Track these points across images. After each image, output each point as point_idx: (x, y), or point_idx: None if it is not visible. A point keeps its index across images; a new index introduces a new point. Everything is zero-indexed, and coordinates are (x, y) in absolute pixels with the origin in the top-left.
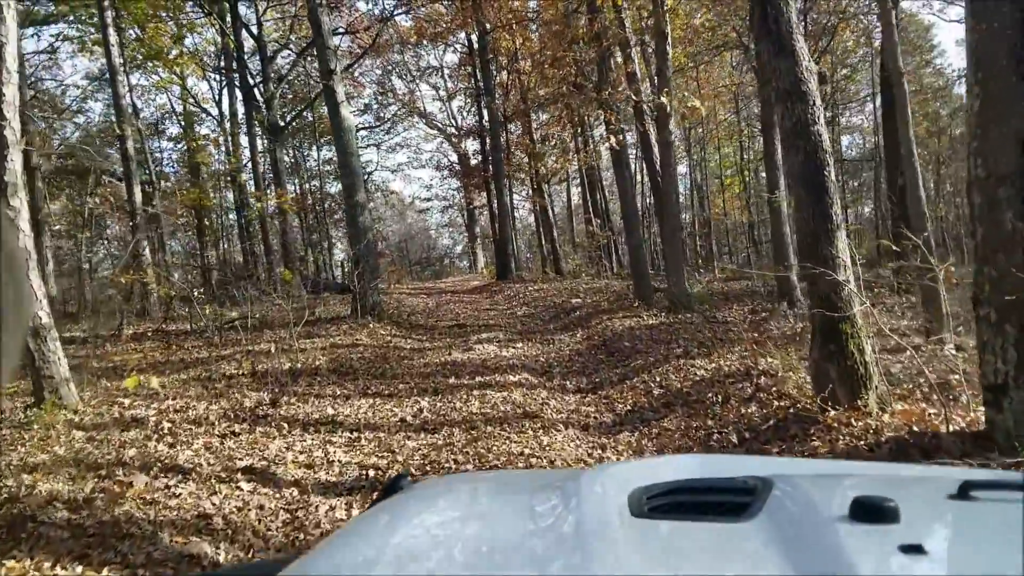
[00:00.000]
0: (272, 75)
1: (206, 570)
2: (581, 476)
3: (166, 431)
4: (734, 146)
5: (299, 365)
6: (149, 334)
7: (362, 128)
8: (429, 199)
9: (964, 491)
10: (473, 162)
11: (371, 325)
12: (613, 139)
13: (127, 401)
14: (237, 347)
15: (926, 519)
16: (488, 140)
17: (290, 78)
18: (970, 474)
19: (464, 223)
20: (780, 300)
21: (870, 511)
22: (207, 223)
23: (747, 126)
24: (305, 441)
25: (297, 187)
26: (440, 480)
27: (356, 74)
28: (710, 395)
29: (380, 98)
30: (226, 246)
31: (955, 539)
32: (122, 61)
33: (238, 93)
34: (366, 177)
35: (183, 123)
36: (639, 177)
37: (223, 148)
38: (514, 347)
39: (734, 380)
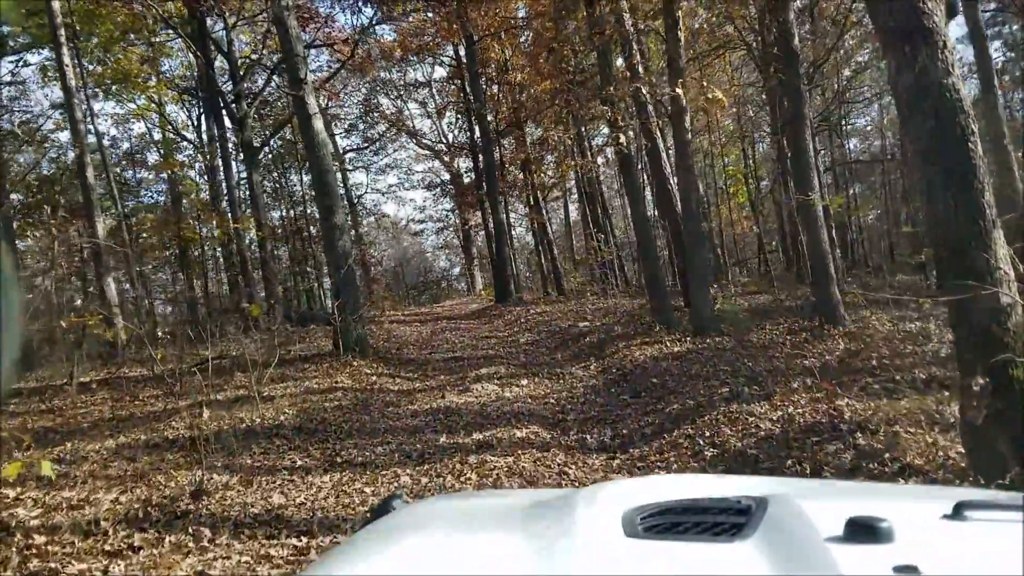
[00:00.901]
0: (246, 94)
1: None
2: (575, 496)
3: (36, 549)
4: (735, 155)
5: (259, 420)
6: (106, 382)
7: (350, 150)
8: (423, 221)
9: (958, 511)
10: (466, 180)
11: (355, 363)
12: (623, 137)
13: (13, 493)
14: (200, 395)
15: (920, 539)
16: (481, 156)
17: (267, 98)
18: (964, 494)
19: (460, 244)
20: (818, 317)
21: (865, 531)
22: (193, 254)
23: (750, 131)
24: (230, 557)
25: (284, 213)
26: (432, 500)
27: (341, 95)
28: (789, 462)
29: (367, 117)
30: (215, 277)
31: (949, 560)
32: (81, 84)
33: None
34: (356, 200)
35: (162, 151)
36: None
37: (196, 172)
38: (518, 385)
39: (819, 438)
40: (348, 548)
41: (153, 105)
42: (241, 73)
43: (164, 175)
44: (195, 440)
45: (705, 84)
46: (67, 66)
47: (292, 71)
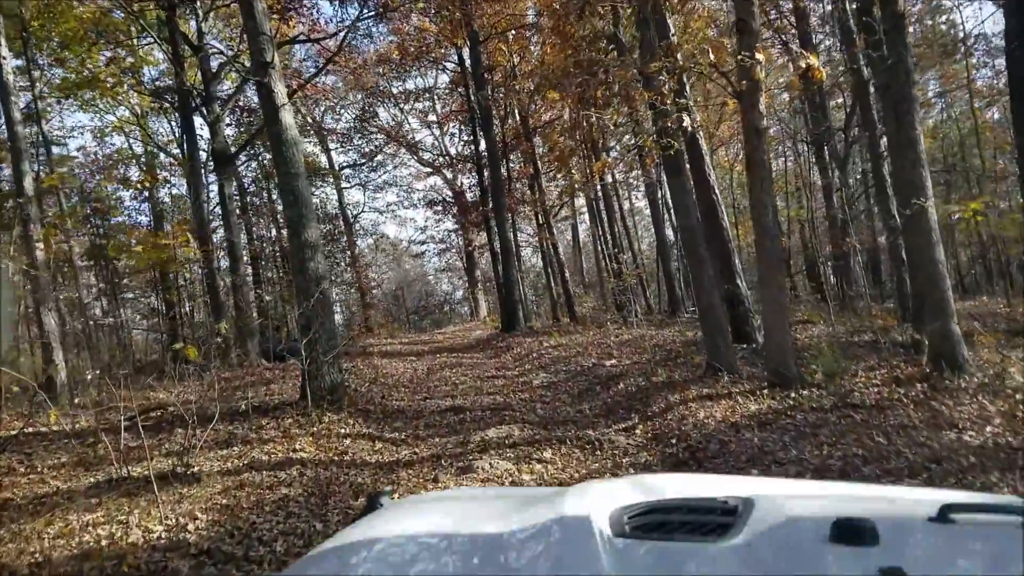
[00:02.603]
0: (219, 97)
1: None
2: (563, 495)
3: None
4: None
5: (159, 529)
6: (15, 439)
7: (346, 166)
8: (424, 242)
9: (944, 514)
10: (470, 197)
11: (326, 418)
12: (687, 119)
13: None
14: (116, 465)
15: (906, 542)
16: (487, 170)
17: (249, 105)
18: (950, 496)
19: (463, 266)
20: (928, 360)
21: (851, 533)
22: (177, 279)
23: (781, 139)
24: None
25: (271, 231)
26: (421, 497)
27: (338, 108)
28: None
29: (363, 128)
30: (203, 302)
31: (934, 562)
32: (29, 83)
33: (198, 123)
34: (352, 219)
35: (143, 165)
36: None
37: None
38: (540, 460)
39: None
40: (334, 544)
41: (131, 116)
42: (214, 71)
43: (146, 192)
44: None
45: (795, 49)
46: (3, 58)
47: (256, 53)
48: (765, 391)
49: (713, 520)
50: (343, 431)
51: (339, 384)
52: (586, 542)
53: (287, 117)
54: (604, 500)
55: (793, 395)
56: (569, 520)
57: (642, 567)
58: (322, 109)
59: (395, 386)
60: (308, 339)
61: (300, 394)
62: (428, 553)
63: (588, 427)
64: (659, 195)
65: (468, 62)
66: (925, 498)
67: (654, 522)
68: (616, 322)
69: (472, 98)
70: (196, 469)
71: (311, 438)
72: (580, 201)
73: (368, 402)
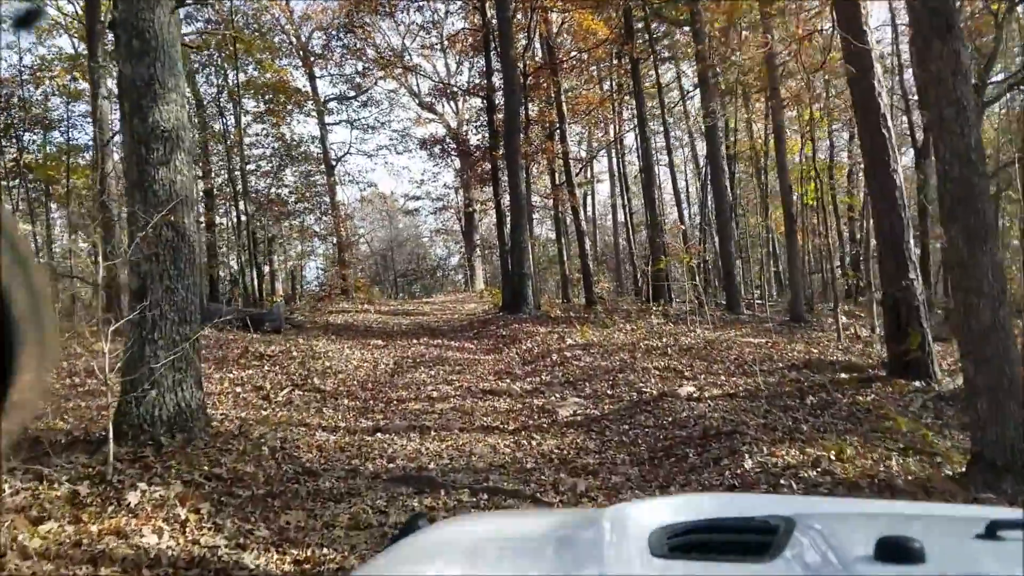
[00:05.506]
0: None
1: None
2: (601, 516)
3: None
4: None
5: None
6: None
7: (332, 99)
8: (418, 197)
9: (992, 531)
10: (475, 142)
11: (131, 497)
12: None
13: None
14: None
15: (953, 560)
16: (500, 112)
17: None
18: (997, 513)
19: (461, 229)
20: None
21: (895, 551)
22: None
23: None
24: None
25: (234, 162)
26: (458, 520)
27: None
28: None
29: (348, 40)
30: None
31: None
32: None
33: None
34: (336, 162)
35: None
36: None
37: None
38: None
39: None
40: (371, 568)
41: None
42: None
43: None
44: None
45: None
46: None
47: None
48: None
49: (754, 540)
50: (148, 541)
51: (192, 413)
52: (625, 562)
53: None
54: (643, 520)
55: None
56: (608, 542)
57: None
58: (310, 28)
59: (330, 398)
60: (139, 313)
61: (114, 426)
62: (470, 569)
63: None
64: (718, 143)
65: None
66: (972, 515)
67: (694, 542)
68: (659, 315)
69: (488, 13)
70: None
71: (51, 566)
72: (599, 167)
73: (250, 452)
